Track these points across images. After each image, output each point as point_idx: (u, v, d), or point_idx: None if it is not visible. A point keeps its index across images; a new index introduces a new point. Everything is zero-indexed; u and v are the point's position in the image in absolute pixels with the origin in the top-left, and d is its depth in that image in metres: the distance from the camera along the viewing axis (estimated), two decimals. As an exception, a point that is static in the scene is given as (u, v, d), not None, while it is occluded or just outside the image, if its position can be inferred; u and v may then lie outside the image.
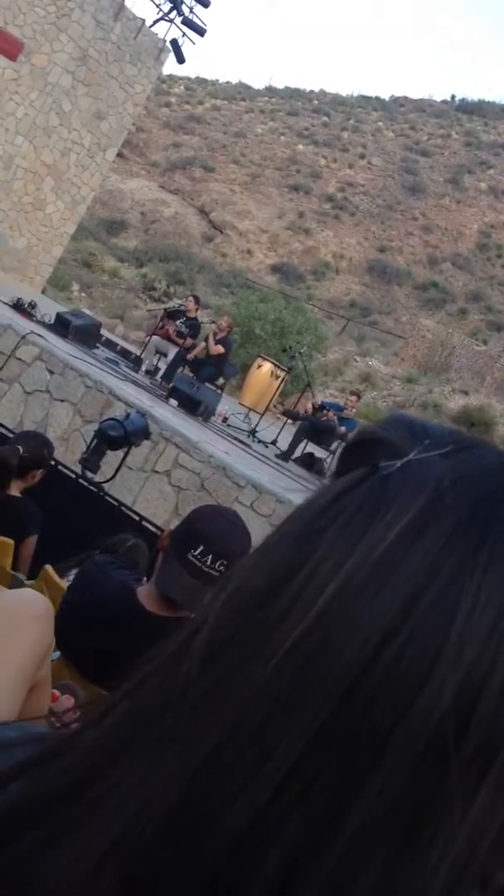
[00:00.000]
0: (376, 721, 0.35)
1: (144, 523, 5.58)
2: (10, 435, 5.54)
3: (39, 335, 8.23)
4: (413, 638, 0.35)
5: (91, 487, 5.42)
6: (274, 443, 10.97)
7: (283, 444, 10.83)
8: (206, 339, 11.66)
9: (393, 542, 0.37)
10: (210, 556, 1.82)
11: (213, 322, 13.38)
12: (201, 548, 1.83)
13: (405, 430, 0.43)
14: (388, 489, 0.39)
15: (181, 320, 11.62)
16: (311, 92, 72.43)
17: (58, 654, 1.97)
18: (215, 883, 0.35)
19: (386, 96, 74.53)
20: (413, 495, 0.39)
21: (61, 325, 10.00)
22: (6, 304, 9.66)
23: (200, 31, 16.86)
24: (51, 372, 7.89)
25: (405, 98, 74.00)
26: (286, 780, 0.35)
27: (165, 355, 11.81)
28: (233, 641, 0.38)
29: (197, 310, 12.01)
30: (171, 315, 11.92)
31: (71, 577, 2.87)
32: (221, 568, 1.82)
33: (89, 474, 4.93)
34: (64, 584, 2.92)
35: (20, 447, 3.80)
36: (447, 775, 0.34)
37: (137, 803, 0.37)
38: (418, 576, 0.36)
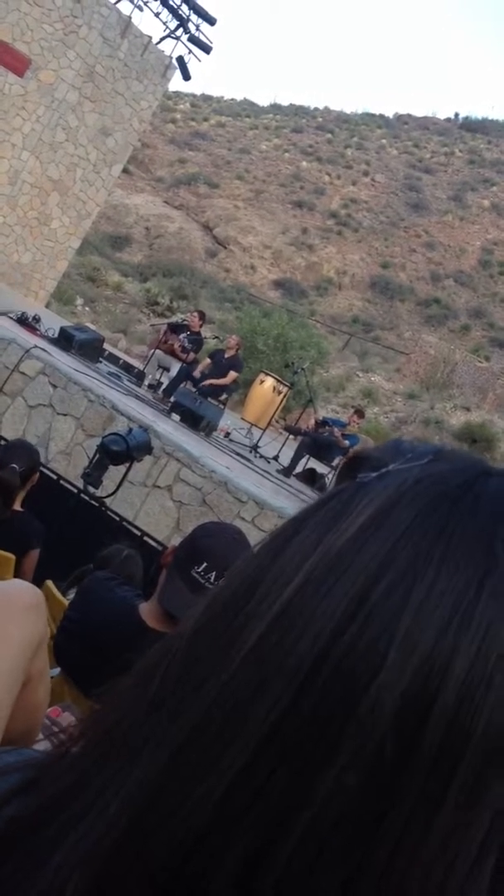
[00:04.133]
0: (327, 717, 0.34)
1: (146, 538, 5.56)
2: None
3: (43, 349, 8.25)
4: (364, 630, 0.35)
5: (93, 502, 5.42)
6: (276, 458, 10.96)
7: (285, 459, 10.82)
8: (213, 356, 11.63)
9: (351, 536, 0.38)
10: (213, 574, 1.81)
11: (217, 337, 13.37)
12: (204, 564, 1.82)
13: (393, 449, 0.44)
14: (359, 494, 0.40)
15: (185, 335, 11.62)
16: (316, 109, 73.04)
17: (57, 670, 1.96)
18: (175, 885, 0.35)
19: (390, 114, 75.16)
20: (378, 494, 0.39)
21: (65, 340, 10.02)
22: (10, 318, 9.69)
23: (206, 49, 17.00)
24: (54, 386, 7.90)
25: (409, 116, 74.56)
26: (239, 778, 0.35)
27: (167, 370, 11.81)
28: (208, 646, 0.39)
29: (201, 325, 12.00)
30: (175, 329, 11.92)
31: (71, 595, 2.86)
32: (224, 585, 1.81)
33: (91, 489, 4.93)
34: (65, 600, 2.92)
35: (16, 465, 3.80)
36: (404, 777, 0.33)
37: (108, 815, 0.37)
38: (372, 568, 0.36)
